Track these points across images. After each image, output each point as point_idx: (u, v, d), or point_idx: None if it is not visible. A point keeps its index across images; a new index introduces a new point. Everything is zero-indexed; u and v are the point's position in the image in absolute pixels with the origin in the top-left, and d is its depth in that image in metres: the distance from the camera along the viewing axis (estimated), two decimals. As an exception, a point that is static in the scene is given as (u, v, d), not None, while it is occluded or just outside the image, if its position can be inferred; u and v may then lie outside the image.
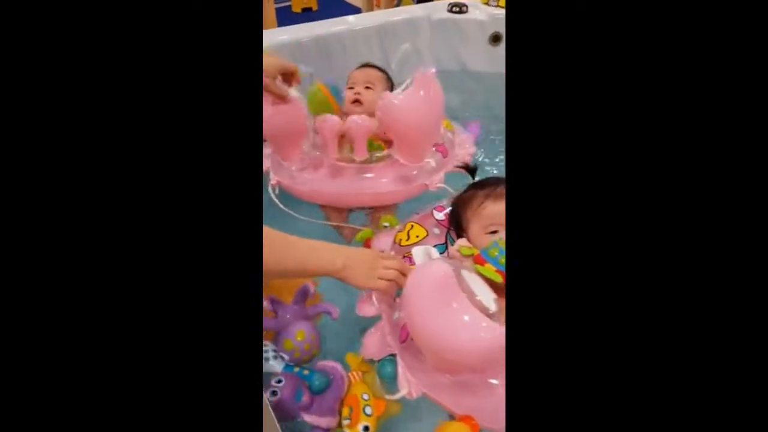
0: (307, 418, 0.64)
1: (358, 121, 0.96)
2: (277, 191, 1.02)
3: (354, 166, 1.01)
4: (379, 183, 1.01)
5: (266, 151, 1.09)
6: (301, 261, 0.69)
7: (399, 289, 0.75)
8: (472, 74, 1.67)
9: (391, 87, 1.19)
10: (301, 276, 0.78)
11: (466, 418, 0.64)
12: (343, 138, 1.03)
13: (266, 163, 1.07)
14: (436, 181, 1.02)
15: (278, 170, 1.05)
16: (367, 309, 0.79)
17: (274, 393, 0.63)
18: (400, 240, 0.85)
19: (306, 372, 0.69)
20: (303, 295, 0.77)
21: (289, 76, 0.97)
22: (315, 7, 3.28)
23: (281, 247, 0.68)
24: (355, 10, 3.22)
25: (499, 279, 0.67)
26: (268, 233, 0.66)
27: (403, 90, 0.93)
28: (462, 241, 0.78)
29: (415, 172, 1.02)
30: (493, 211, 0.77)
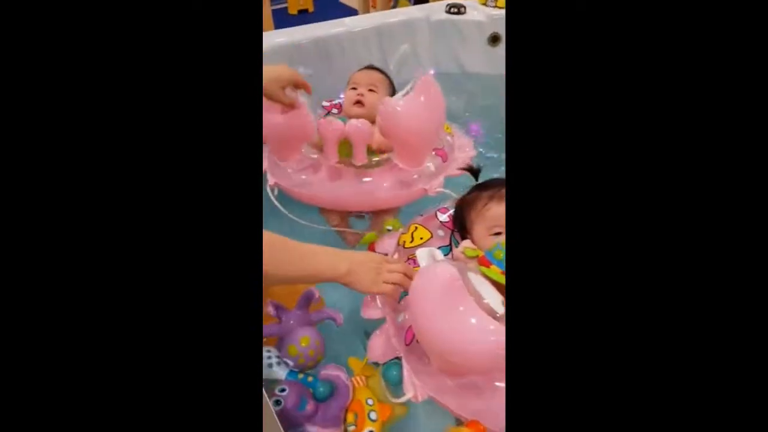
0: (312, 429, 0.63)
1: (358, 125, 0.95)
2: (276, 192, 1.01)
3: (353, 169, 1.00)
4: (378, 187, 1.01)
5: (264, 151, 1.08)
6: (305, 266, 0.69)
7: (403, 292, 0.75)
8: (471, 75, 1.67)
9: (393, 90, 1.19)
10: (304, 281, 0.77)
11: (473, 423, 0.64)
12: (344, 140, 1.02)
13: (263, 163, 1.07)
14: (436, 186, 1.01)
15: (275, 171, 1.04)
16: (372, 311, 0.78)
17: (277, 402, 0.62)
18: (404, 242, 0.85)
19: (310, 379, 0.69)
20: (307, 300, 0.77)
21: (299, 86, 0.98)
22: (311, 9, 3.27)
23: (284, 252, 0.67)
24: (352, 12, 3.22)
25: (505, 281, 0.67)
26: (270, 238, 0.65)
27: (404, 95, 0.93)
28: (466, 243, 0.78)
29: (414, 177, 1.02)
30: (497, 212, 0.77)
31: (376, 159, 1.02)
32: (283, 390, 0.64)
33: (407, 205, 1.06)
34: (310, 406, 0.64)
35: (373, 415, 0.66)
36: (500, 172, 1.23)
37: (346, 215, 1.07)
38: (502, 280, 0.68)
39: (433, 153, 1.06)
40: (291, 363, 0.71)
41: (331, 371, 0.70)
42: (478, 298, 0.60)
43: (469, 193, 0.86)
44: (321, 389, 0.67)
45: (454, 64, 1.67)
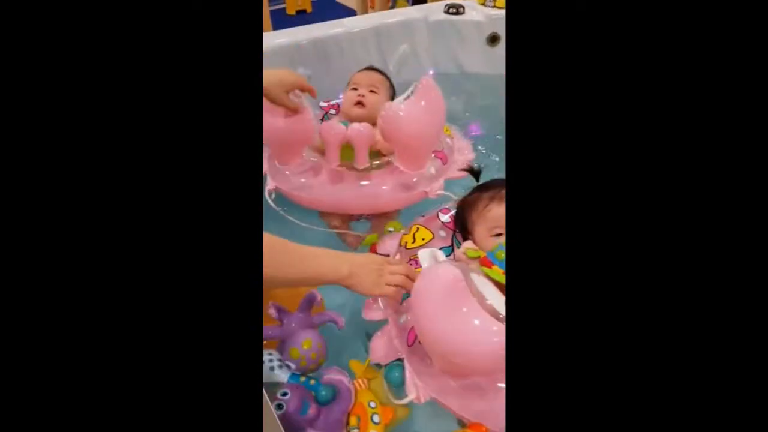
0: (314, 434, 0.63)
1: (360, 129, 0.95)
2: (273, 196, 1.01)
3: (354, 172, 1.00)
4: (380, 190, 1.00)
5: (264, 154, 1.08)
6: (306, 269, 0.68)
7: (405, 293, 0.75)
8: (470, 75, 1.67)
9: (393, 91, 1.19)
10: (306, 284, 0.77)
11: (476, 426, 0.64)
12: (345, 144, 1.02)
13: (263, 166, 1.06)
14: (436, 188, 1.01)
15: (275, 174, 1.04)
16: (374, 313, 0.78)
17: (279, 406, 0.62)
18: (406, 243, 0.85)
19: (312, 382, 0.68)
20: (309, 303, 0.76)
21: (304, 89, 0.98)
22: (309, 9, 3.27)
23: (285, 254, 0.67)
24: (350, 12, 3.22)
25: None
26: (272, 241, 0.65)
27: (405, 99, 0.92)
28: (468, 244, 0.78)
29: (415, 180, 1.02)
30: (498, 213, 0.77)
31: (377, 162, 1.01)
32: (285, 394, 0.63)
33: (408, 208, 1.06)
34: (312, 410, 0.63)
35: (376, 418, 0.66)
36: (500, 173, 1.23)
37: (346, 218, 1.07)
38: (504, 280, 0.68)
39: (433, 155, 1.06)
40: (293, 366, 0.70)
41: (333, 375, 0.70)
42: (481, 299, 0.59)
43: (470, 194, 0.86)
44: (323, 392, 0.66)
45: (453, 64, 1.67)
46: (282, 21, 3.10)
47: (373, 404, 0.68)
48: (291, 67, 1.41)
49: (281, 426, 0.50)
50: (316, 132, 0.99)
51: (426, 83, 0.93)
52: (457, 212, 0.87)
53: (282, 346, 0.73)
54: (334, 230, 1.04)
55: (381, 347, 0.75)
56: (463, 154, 1.14)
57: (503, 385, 0.64)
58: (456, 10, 1.62)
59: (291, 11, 3.22)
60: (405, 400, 0.67)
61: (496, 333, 0.57)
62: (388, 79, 1.20)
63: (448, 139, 1.14)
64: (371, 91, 1.13)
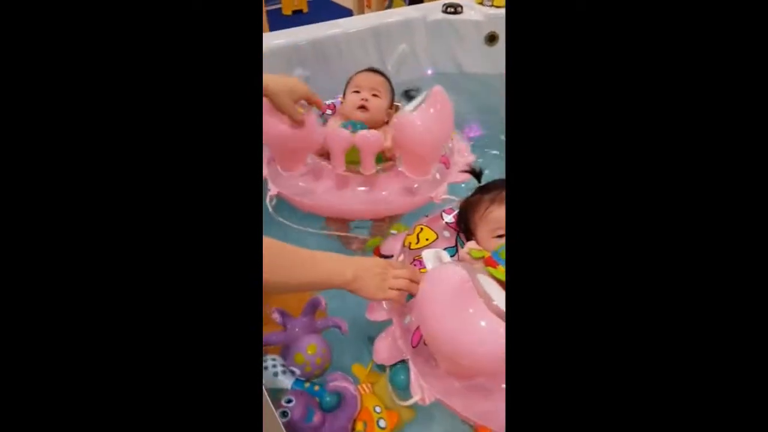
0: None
1: (368, 136, 0.95)
2: (274, 202, 1.00)
3: (359, 177, 0.99)
4: (385, 196, 1.00)
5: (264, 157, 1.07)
6: (311, 273, 0.68)
7: (409, 295, 0.75)
8: (469, 75, 1.66)
9: (393, 94, 1.19)
10: (310, 289, 0.77)
11: (483, 430, 0.64)
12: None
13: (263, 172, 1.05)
14: (441, 193, 1.01)
15: (276, 180, 1.03)
16: (377, 314, 0.78)
17: (284, 414, 0.62)
18: (410, 243, 0.85)
19: (317, 388, 0.68)
20: (313, 307, 0.76)
21: (312, 102, 0.97)
22: (305, 9, 3.26)
23: (289, 259, 0.66)
24: (346, 12, 3.22)
25: None
26: (275, 245, 0.65)
27: (416, 107, 0.93)
28: (471, 244, 0.78)
29: (420, 185, 1.01)
30: (499, 215, 0.77)
31: (379, 167, 1.01)
32: (289, 401, 0.63)
33: (410, 212, 1.06)
34: (317, 417, 0.63)
35: (382, 423, 0.66)
36: (500, 173, 1.23)
37: (348, 222, 1.07)
38: (510, 280, 0.68)
39: (436, 160, 1.06)
40: (297, 371, 0.70)
41: (339, 383, 0.69)
42: (488, 301, 0.59)
43: (472, 195, 0.86)
44: (328, 399, 0.66)
45: (452, 63, 1.67)
46: (278, 21, 3.09)
47: (378, 409, 0.67)
48: (289, 67, 1.41)
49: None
50: (321, 138, 0.98)
51: (437, 91, 0.93)
52: (459, 213, 0.86)
53: (286, 352, 0.73)
54: (336, 233, 1.03)
55: (385, 348, 0.75)
56: (463, 155, 1.13)
57: (509, 386, 0.64)
58: (454, 9, 1.62)
59: (287, 11, 3.22)
60: (410, 402, 0.67)
61: (503, 334, 0.56)
62: (389, 81, 1.19)
63: (449, 143, 1.14)
64: (374, 95, 1.13)
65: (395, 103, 1.20)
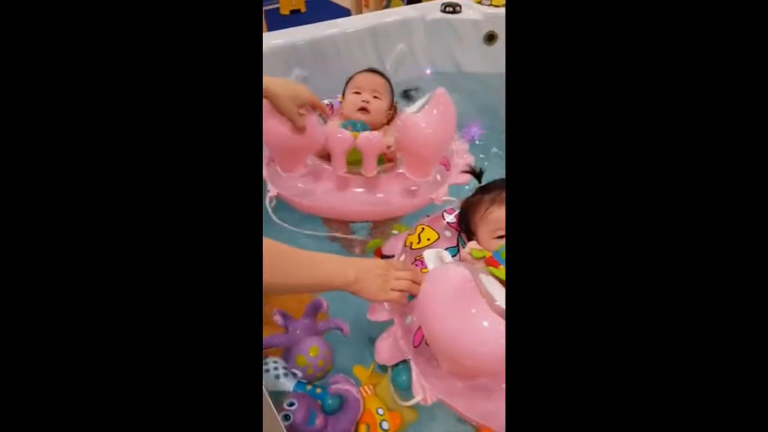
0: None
1: (370, 137, 0.95)
2: (273, 204, 0.99)
3: (359, 179, 0.99)
4: (386, 197, 1.00)
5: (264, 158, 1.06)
6: (312, 275, 0.67)
7: (410, 296, 0.74)
8: (468, 74, 1.66)
9: (393, 95, 1.18)
10: (311, 290, 0.76)
11: (485, 430, 0.64)
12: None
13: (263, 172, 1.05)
14: (442, 195, 1.01)
15: (276, 180, 1.02)
16: (379, 314, 0.78)
17: (286, 417, 0.61)
18: (411, 243, 0.84)
19: (318, 390, 0.68)
20: (315, 309, 0.76)
21: (317, 108, 0.96)
22: (303, 9, 3.26)
23: (291, 261, 0.66)
24: (344, 11, 3.21)
25: None
26: (277, 247, 0.64)
27: (420, 109, 0.92)
28: (473, 244, 0.78)
29: (421, 186, 1.01)
30: (499, 216, 0.77)
31: (379, 168, 1.01)
32: (291, 404, 0.63)
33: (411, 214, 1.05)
34: (319, 420, 0.63)
35: (384, 425, 0.66)
36: (500, 172, 1.23)
37: (348, 223, 1.06)
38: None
39: (436, 162, 1.06)
40: (299, 374, 0.70)
41: (341, 385, 0.69)
42: (491, 300, 0.59)
43: (472, 195, 0.86)
44: (330, 401, 0.66)
45: (451, 63, 1.67)
46: (276, 21, 3.08)
47: (381, 411, 0.67)
48: (288, 67, 1.41)
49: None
50: (322, 138, 0.98)
51: (440, 93, 0.93)
52: (460, 213, 0.86)
53: (287, 354, 0.72)
54: (337, 235, 1.03)
55: (386, 348, 0.74)
56: (462, 157, 1.13)
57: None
58: (453, 8, 1.62)
59: (285, 11, 3.21)
60: (412, 402, 0.67)
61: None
62: (389, 82, 1.19)
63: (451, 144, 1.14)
64: (375, 97, 1.12)
65: (394, 104, 1.20)
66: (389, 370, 0.73)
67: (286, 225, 0.97)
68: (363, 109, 1.11)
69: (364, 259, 0.76)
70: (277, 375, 0.67)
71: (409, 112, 0.93)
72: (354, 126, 1.06)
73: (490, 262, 0.72)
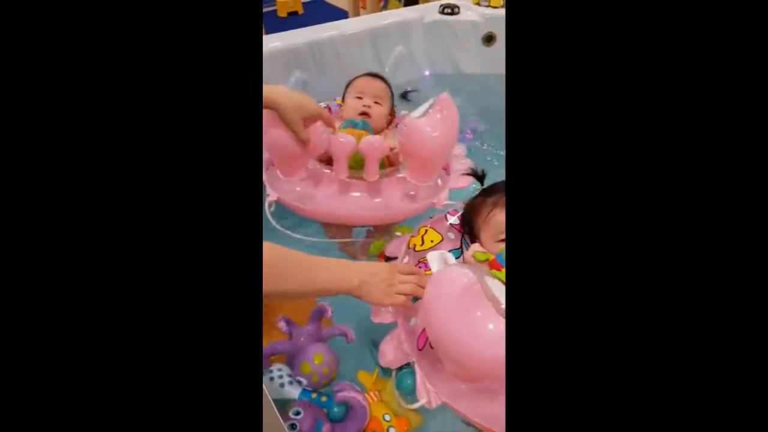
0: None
1: (372, 142, 0.95)
2: (273, 208, 0.98)
3: (360, 183, 0.99)
4: (386, 202, 0.99)
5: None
6: (317, 280, 0.67)
7: (414, 298, 0.74)
8: (467, 75, 1.66)
9: (393, 99, 1.18)
10: (316, 295, 0.76)
11: (490, 432, 0.64)
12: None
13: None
14: (443, 199, 1.01)
15: (275, 185, 1.01)
16: (382, 317, 0.77)
17: (293, 426, 0.61)
18: (415, 245, 0.84)
19: (324, 399, 0.67)
20: (319, 315, 0.75)
21: (323, 121, 0.95)
22: (300, 11, 3.25)
23: (295, 266, 0.65)
24: (341, 13, 3.21)
25: None
26: (281, 252, 0.64)
27: (423, 114, 0.92)
28: (476, 246, 0.78)
29: (422, 190, 1.01)
30: (503, 219, 0.77)
31: (381, 172, 1.00)
32: (298, 413, 0.62)
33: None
34: (326, 429, 0.62)
35: (392, 431, 0.65)
36: (500, 173, 1.23)
37: (348, 228, 1.06)
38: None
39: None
40: (304, 381, 0.69)
41: (347, 393, 0.68)
42: (496, 303, 0.59)
43: (475, 197, 0.86)
44: (336, 409, 0.65)
45: (450, 64, 1.67)
46: (274, 23, 3.08)
47: (387, 417, 0.67)
48: (287, 70, 1.40)
49: None
50: (325, 143, 0.97)
51: (443, 98, 0.93)
52: (463, 215, 0.86)
53: (292, 361, 0.72)
54: (338, 240, 1.03)
55: (390, 351, 0.74)
56: (459, 161, 1.13)
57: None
58: (451, 10, 1.62)
59: (282, 13, 3.21)
60: (416, 405, 0.67)
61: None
62: (390, 87, 1.19)
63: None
64: (376, 103, 1.12)
65: (393, 107, 1.20)
66: (393, 373, 0.73)
67: (288, 232, 0.96)
68: (364, 114, 1.11)
69: (368, 263, 0.76)
70: (282, 383, 0.67)
71: (413, 116, 0.93)
72: (355, 125, 1.06)
73: (493, 266, 0.72)
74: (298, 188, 1.00)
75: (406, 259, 0.84)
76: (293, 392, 0.66)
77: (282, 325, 0.73)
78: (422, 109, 0.94)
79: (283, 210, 1.01)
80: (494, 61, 1.62)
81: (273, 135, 0.92)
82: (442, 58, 1.66)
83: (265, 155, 1.02)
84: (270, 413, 0.50)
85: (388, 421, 0.66)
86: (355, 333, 0.77)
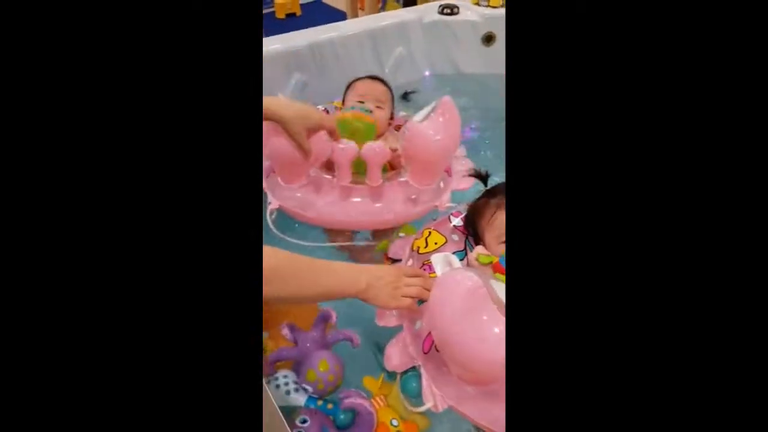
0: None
1: (374, 147, 0.95)
2: (274, 216, 0.97)
3: (362, 188, 0.98)
4: (389, 206, 0.99)
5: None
6: (324, 283, 0.67)
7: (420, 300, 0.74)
8: (467, 76, 1.66)
9: (393, 102, 1.18)
10: (322, 299, 0.75)
11: (495, 434, 0.63)
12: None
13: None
14: (445, 202, 1.01)
15: (276, 192, 1.01)
16: (387, 320, 0.77)
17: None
18: (419, 247, 0.84)
19: (330, 406, 0.67)
20: (324, 320, 0.75)
21: (327, 131, 0.94)
22: (299, 12, 3.25)
23: (301, 270, 0.65)
24: (339, 14, 3.21)
25: None
26: (288, 257, 0.64)
27: (425, 118, 0.92)
28: (480, 249, 0.78)
29: (424, 193, 1.01)
30: (504, 221, 0.77)
31: (383, 176, 1.00)
32: (304, 421, 0.62)
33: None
34: (332, 436, 0.62)
35: (400, 437, 0.65)
36: (500, 174, 1.23)
37: (350, 231, 1.05)
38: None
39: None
40: (310, 389, 0.69)
41: (353, 399, 0.68)
42: (502, 306, 0.59)
43: (478, 199, 0.86)
44: (342, 417, 0.65)
45: (449, 65, 1.67)
46: (272, 25, 3.08)
47: (395, 422, 0.67)
48: (287, 72, 1.40)
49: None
50: (328, 149, 0.97)
51: (445, 101, 0.93)
52: (467, 217, 0.86)
53: (297, 368, 0.71)
54: (341, 245, 1.02)
55: (396, 355, 0.74)
56: (460, 161, 1.13)
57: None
58: (450, 10, 1.62)
59: (280, 15, 3.20)
60: (422, 408, 0.67)
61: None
62: (390, 89, 1.19)
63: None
64: (377, 107, 1.12)
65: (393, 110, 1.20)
66: (399, 377, 0.72)
67: (289, 239, 0.95)
68: None
69: (374, 266, 0.76)
70: (288, 390, 0.66)
71: (416, 120, 0.93)
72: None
73: (497, 269, 0.72)
74: (299, 194, 0.99)
75: (410, 262, 0.84)
76: (299, 399, 0.66)
77: (286, 332, 0.73)
78: (424, 112, 0.94)
79: (284, 217, 1.00)
80: (494, 61, 1.61)
81: (275, 143, 0.91)
82: (442, 59, 1.66)
83: (266, 163, 1.02)
84: (276, 421, 0.50)
85: (396, 426, 0.66)
86: (360, 337, 0.77)
